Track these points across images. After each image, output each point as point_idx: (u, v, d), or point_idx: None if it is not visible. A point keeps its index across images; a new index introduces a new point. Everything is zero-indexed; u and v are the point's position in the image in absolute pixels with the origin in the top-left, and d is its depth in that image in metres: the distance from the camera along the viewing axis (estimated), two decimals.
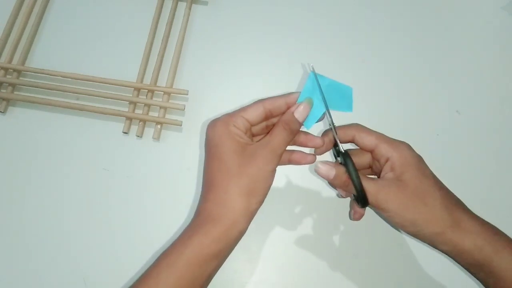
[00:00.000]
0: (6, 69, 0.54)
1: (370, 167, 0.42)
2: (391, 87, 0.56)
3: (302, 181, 0.51)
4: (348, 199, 0.48)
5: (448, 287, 0.47)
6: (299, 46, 0.57)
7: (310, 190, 0.50)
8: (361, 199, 0.37)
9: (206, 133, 0.37)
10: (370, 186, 0.36)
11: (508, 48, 0.59)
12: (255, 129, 0.39)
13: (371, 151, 0.40)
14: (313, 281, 0.47)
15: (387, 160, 0.38)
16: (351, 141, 0.41)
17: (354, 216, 0.43)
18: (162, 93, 0.53)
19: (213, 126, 0.37)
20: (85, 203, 0.49)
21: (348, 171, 0.37)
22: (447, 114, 0.55)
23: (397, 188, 0.36)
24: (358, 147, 0.41)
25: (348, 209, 0.48)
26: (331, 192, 0.50)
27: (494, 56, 0.58)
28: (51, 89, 0.53)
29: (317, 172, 0.38)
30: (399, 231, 0.48)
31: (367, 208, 0.50)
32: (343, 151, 0.38)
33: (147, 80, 0.54)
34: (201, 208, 0.36)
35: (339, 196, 0.47)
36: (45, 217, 0.48)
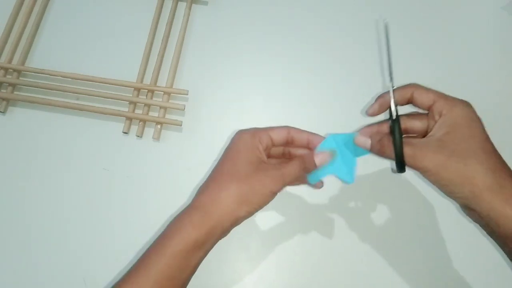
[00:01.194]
0: (6, 69, 0.54)
1: (425, 132, 0.41)
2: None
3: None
4: (344, 195, 0.48)
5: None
6: (299, 46, 0.57)
7: (310, 190, 0.50)
8: (398, 166, 0.37)
9: (233, 138, 0.40)
10: (408, 150, 0.36)
11: (508, 48, 0.59)
12: (273, 151, 0.42)
13: (429, 109, 0.39)
14: (313, 281, 0.47)
15: (440, 117, 0.38)
16: (409, 101, 0.41)
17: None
18: (162, 93, 0.53)
19: (240, 134, 0.40)
20: (85, 203, 0.49)
21: (393, 137, 0.37)
22: None
23: (437, 147, 0.36)
24: (417, 107, 0.41)
25: (348, 209, 0.48)
26: (331, 192, 0.50)
27: (494, 56, 0.58)
28: (51, 89, 0.53)
29: (356, 143, 0.40)
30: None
31: (366, 210, 0.50)
32: (394, 117, 0.39)
33: (147, 80, 0.54)
34: (196, 198, 0.38)
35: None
36: (45, 217, 0.48)
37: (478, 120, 0.38)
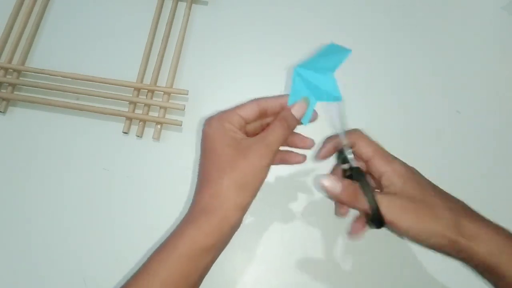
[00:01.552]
0: (6, 69, 0.54)
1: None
2: (391, 87, 0.56)
3: (302, 181, 0.51)
4: None
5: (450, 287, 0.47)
6: (299, 46, 0.57)
7: (310, 190, 0.50)
8: (376, 219, 0.35)
9: (203, 130, 0.38)
10: (383, 201, 0.35)
11: (508, 48, 0.59)
12: (250, 128, 0.40)
13: (366, 162, 0.39)
14: (313, 281, 0.47)
15: (381, 175, 0.38)
16: (351, 148, 0.40)
17: (353, 233, 0.42)
18: (162, 93, 0.53)
19: (208, 122, 0.38)
20: (85, 203, 0.49)
21: (361, 186, 0.36)
22: (447, 114, 0.55)
23: (405, 201, 0.36)
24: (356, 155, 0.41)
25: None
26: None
27: (494, 56, 0.58)
28: (51, 89, 0.53)
29: (321, 187, 0.36)
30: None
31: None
32: (355, 165, 0.38)
33: (147, 80, 0.54)
34: (195, 202, 0.36)
35: (338, 215, 0.44)
36: (45, 217, 0.48)
37: (416, 170, 0.38)
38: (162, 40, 0.56)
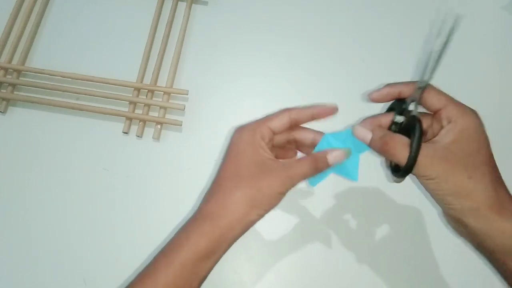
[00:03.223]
0: (6, 69, 0.54)
1: (425, 134, 0.39)
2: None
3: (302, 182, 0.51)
4: (343, 200, 0.48)
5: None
6: (299, 46, 0.57)
7: (311, 189, 0.50)
8: (404, 171, 0.34)
9: (232, 137, 0.38)
10: (425, 150, 0.34)
11: (508, 48, 0.59)
12: (277, 139, 0.39)
13: (436, 112, 0.38)
14: (313, 281, 0.47)
15: (448, 124, 0.36)
16: (418, 101, 0.38)
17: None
18: (162, 93, 0.53)
19: (240, 132, 0.38)
20: (85, 203, 0.49)
21: (412, 138, 0.34)
22: None
23: (444, 155, 0.34)
24: (425, 107, 0.38)
25: (348, 208, 0.48)
26: (331, 192, 0.50)
27: (494, 56, 0.58)
28: (51, 89, 0.53)
29: (355, 133, 0.37)
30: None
31: (365, 212, 0.50)
32: (416, 116, 0.36)
33: (147, 80, 0.54)
34: (203, 206, 0.36)
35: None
36: (45, 217, 0.48)
37: (485, 133, 0.37)
38: (162, 40, 0.56)
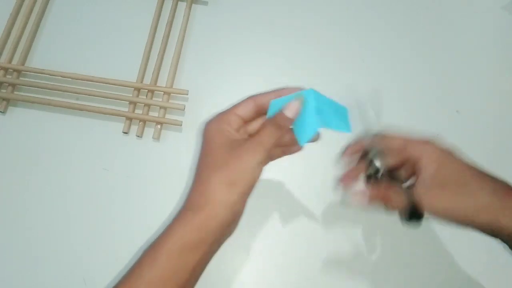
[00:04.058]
0: (6, 69, 0.54)
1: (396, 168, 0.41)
2: (391, 87, 0.56)
3: (302, 181, 0.51)
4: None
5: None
6: (299, 46, 0.57)
7: (310, 189, 0.50)
8: (415, 215, 0.36)
9: (202, 132, 0.38)
10: (419, 190, 0.36)
11: (508, 48, 0.59)
12: (252, 128, 0.39)
13: (399, 153, 0.39)
14: (313, 280, 0.47)
15: (417, 160, 0.37)
16: (378, 148, 0.40)
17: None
18: (162, 93, 0.53)
19: (208, 124, 0.38)
20: (85, 203, 0.49)
21: (397, 185, 0.36)
22: (447, 114, 0.55)
23: (438, 187, 0.36)
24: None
25: (348, 210, 0.48)
26: (332, 194, 0.50)
27: (494, 56, 0.58)
28: (51, 89, 0.53)
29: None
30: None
31: (367, 211, 0.50)
32: (385, 169, 0.38)
33: (147, 80, 0.54)
34: (185, 201, 0.36)
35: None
36: (45, 217, 0.48)
37: (453, 152, 0.38)
38: (162, 40, 0.56)
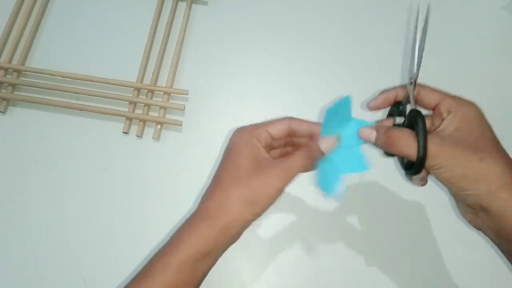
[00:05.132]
0: (6, 69, 0.54)
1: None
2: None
3: (302, 181, 0.51)
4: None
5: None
6: (298, 46, 0.57)
7: (310, 189, 0.50)
8: (418, 165, 0.34)
9: (230, 139, 0.38)
10: (433, 140, 0.34)
11: (508, 48, 0.59)
12: (276, 143, 0.40)
13: (434, 109, 0.38)
14: (313, 281, 0.47)
15: (449, 114, 0.37)
16: (415, 100, 0.39)
17: (422, 183, 0.40)
18: (162, 93, 0.53)
19: (237, 133, 0.38)
20: (85, 203, 0.49)
21: (417, 133, 0.34)
22: None
23: (451, 141, 0.34)
24: (422, 106, 0.39)
25: (350, 210, 0.48)
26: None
27: (494, 56, 0.58)
28: (51, 89, 0.53)
29: (360, 137, 0.38)
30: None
31: (365, 211, 0.50)
32: (415, 108, 0.36)
33: (147, 80, 0.54)
34: (201, 205, 0.37)
35: (415, 184, 0.40)
36: (45, 217, 0.48)
37: (486, 119, 0.37)
38: (162, 40, 0.56)
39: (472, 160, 0.34)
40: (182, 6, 0.59)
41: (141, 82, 0.54)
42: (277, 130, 0.38)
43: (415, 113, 0.36)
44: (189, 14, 0.58)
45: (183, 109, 0.52)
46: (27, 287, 0.46)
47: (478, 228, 0.36)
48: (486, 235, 0.36)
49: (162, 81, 0.54)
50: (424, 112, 0.37)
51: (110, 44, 0.57)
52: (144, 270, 0.35)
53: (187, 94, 0.53)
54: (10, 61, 0.54)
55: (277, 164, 0.36)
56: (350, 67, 0.57)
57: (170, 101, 0.53)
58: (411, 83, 0.38)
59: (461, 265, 0.47)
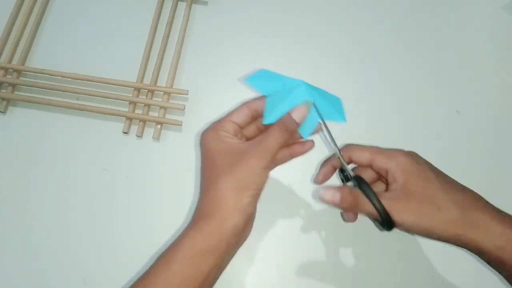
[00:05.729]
0: (6, 69, 0.54)
1: (378, 179, 0.42)
2: (391, 87, 0.56)
3: (302, 181, 0.51)
4: None
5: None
6: (298, 46, 0.58)
7: (311, 190, 0.50)
8: (386, 222, 0.36)
9: (200, 142, 0.39)
10: (387, 203, 0.36)
11: (508, 48, 0.59)
12: (248, 132, 0.40)
13: (370, 167, 0.40)
14: (313, 281, 0.47)
15: (387, 173, 0.38)
16: (349, 162, 0.41)
17: (348, 218, 0.43)
18: (162, 93, 0.53)
19: (203, 135, 0.38)
20: (85, 203, 0.49)
21: (367, 195, 0.36)
22: (447, 114, 0.55)
23: (407, 199, 0.36)
24: (358, 165, 0.41)
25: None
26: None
27: (494, 56, 0.58)
28: (51, 89, 0.53)
29: (322, 200, 0.37)
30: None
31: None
32: (354, 175, 0.38)
33: (147, 80, 0.54)
34: (196, 209, 0.37)
35: (345, 220, 0.43)
36: (45, 217, 0.48)
37: (423, 162, 0.38)
38: (162, 40, 0.56)
39: (432, 213, 0.35)
40: (182, 6, 0.59)
41: (141, 82, 0.54)
42: (240, 116, 0.39)
43: (358, 180, 0.37)
44: (189, 14, 0.58)
45: (183, 109, 0.52)
46: (27, 287, 0.46)
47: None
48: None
49: (162, 81, 0.54)
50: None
51: (110, 44, 0.57)
52: (147, 271, 0.35)
53: (187, 94, 0.53)
54: (10, 61, 0.54)
55: (254, 145, 0.36)
56: (350, 67, 0.57)
57: (170, 101, 0.53)
58: (338, 157, 0.40)
59: (457, 264, 0.47)
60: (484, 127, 0.54)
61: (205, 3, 0.59)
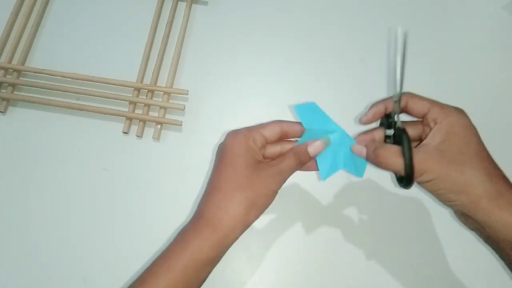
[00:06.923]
0: (6, 69, 0.54)
1: (418, 139, 0.41)
2: (391, 87, 0.56)
3: (302, 182, 0.51)
4: (347, 196, 0.48)
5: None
6: (298, 46, 0.58)
7: (311, 190, 0.50)
8: (407, 180, 0.36)
9: (225, 141, 0.39)
10: (418, 155, 0.35)
11: (508, 48, 0.59)
12: (269, 152, 0.40)
13: (423, 117, 0.39)
14: (313, 281, 0.47)
15: (435, 125, 0.37)
16: (403, 111, 0.40)
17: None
18: (162, 93, 0.53)
19: (234, 136, 0.39)
20: (85, 203, 0.49)
21: (404, 150, 0.36)
22: None
23: (435, 156, 0.35)
24: (411, 115, 0.40)
25: (349, 207, 0.48)
26: (331, 193, 0.50)
27: (494, 56, 0.58)
28: (51, 89, 0.53)
29: (352, 151, 0.39)
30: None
31: (366, 211, 0.50)
32: (401, 126, 0.38)
33: (147, 80, 0.54)
34: (202, 211, 0.36)
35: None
36: (45, 217, 0.48)
37: (473, 128, 0.38)
38: (162, 40, 0.56)
39: (455, 174, 0.35)
40: (182, 6, 0.59)
41: (141, 82, 0.54)
42: (271, 133, 0.39)
43: (400, 132, 0.37)
44: (189, 14, 0.58)
45: (183, 109, 0.52)
46: (27, 287, 0.46)
47: (471, 229, 0.37)
48: (479, 236, 0.37)
49: (162, 81, 0.54)
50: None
51: (110, 44, 0.57)
52: (147, 272, 0.35)
53: (187, 94, 0.53)
54: (10, 61, 0.54)
55: (271, 166, 0.37)
56: (350, 67, 0.57)
57: (170, 101, 0.53)
58: (395, 101, 0.39)
59: (460, 262, 0.47)
60: (484, 127, 0.54)
61: (205, 3, 0.59)
